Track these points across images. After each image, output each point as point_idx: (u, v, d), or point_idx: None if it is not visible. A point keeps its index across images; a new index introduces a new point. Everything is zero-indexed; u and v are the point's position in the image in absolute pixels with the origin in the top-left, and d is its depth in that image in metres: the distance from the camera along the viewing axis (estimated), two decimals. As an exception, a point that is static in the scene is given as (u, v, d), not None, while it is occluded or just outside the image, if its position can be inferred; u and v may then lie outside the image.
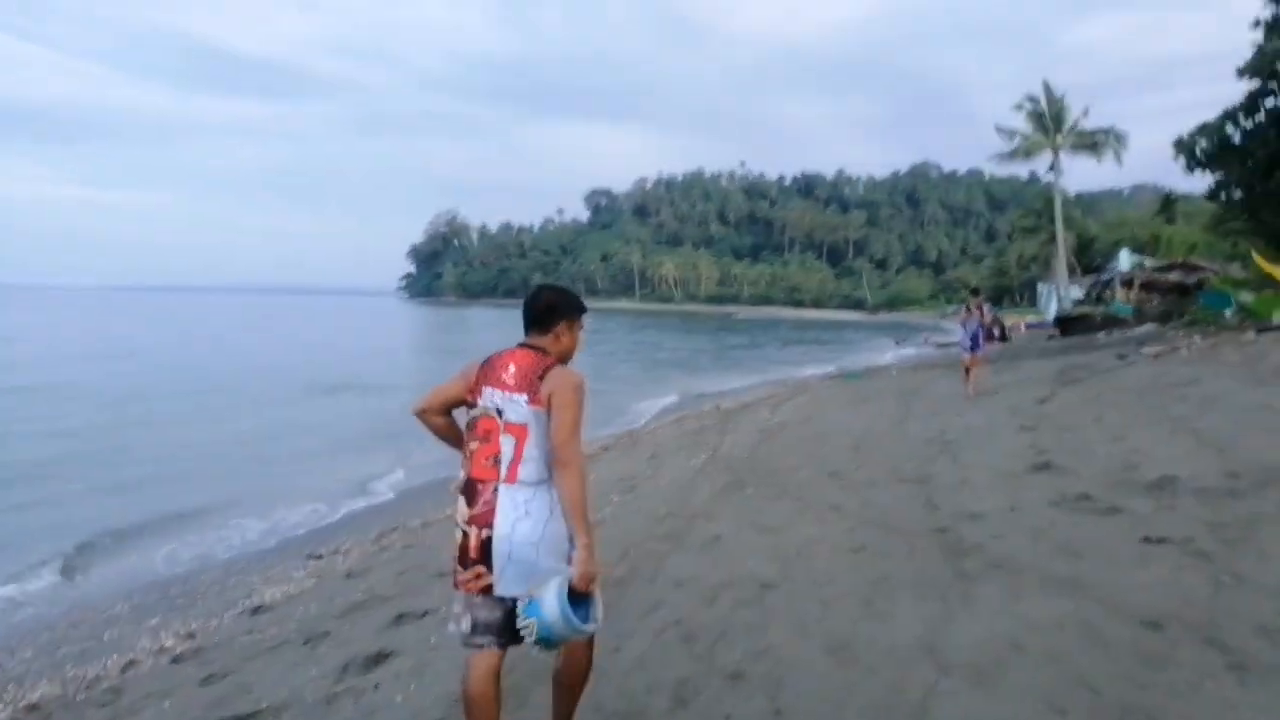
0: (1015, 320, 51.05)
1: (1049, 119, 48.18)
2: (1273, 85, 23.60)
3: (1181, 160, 26.07)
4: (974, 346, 13.93)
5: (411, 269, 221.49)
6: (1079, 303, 48.09)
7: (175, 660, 5.37)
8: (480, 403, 2.79)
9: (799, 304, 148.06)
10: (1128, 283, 45.95)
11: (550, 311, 2.90)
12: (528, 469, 2.71)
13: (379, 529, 8.08)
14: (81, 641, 6.10)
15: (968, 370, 14.04)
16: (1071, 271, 54.01)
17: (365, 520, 9.58)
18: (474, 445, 2.78)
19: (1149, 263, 52.08)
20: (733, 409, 17.22)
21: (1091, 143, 47.35)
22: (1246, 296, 21.59)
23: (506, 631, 2.71)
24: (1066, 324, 39.89)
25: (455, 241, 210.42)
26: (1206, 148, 25.00)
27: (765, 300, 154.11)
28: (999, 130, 49.79)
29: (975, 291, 15.29)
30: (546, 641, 2.62)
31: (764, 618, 4.43)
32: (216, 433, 16.46)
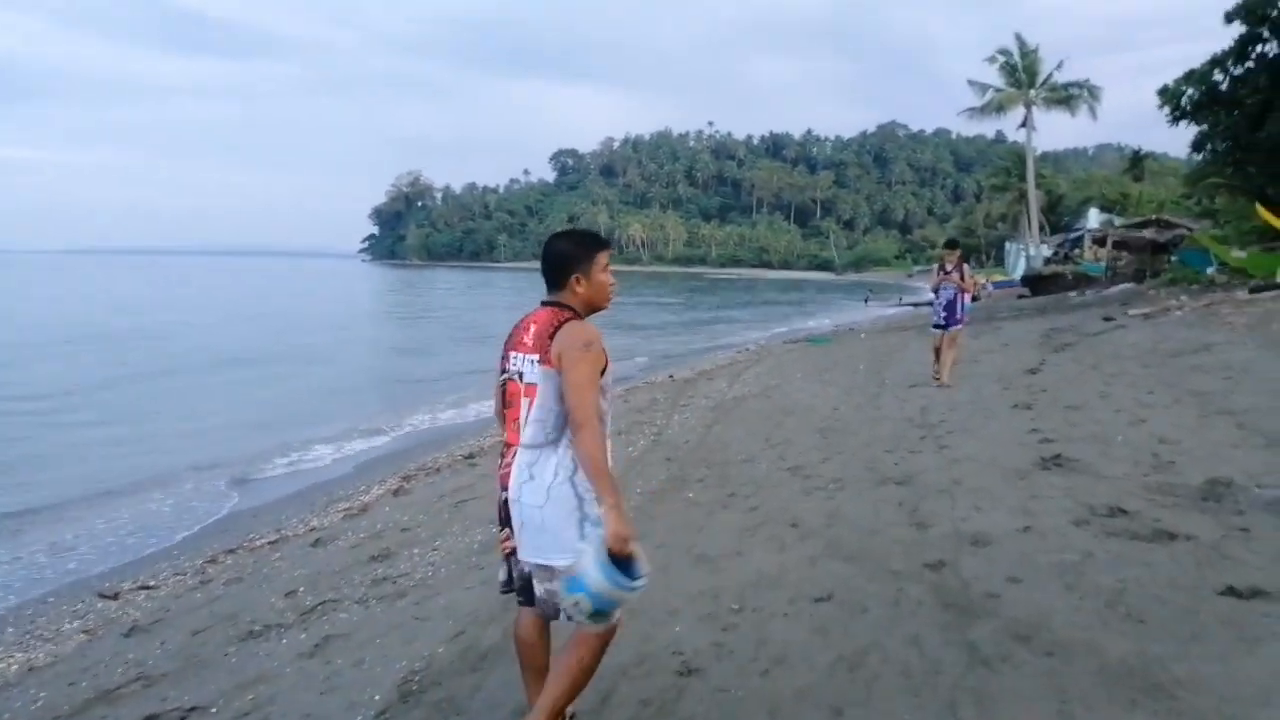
0: (981, 279, 50.04)
1: (1022, 72, 46.71)
2: (1263, 30, 22.19)
3: (1165, 111, 24.70)
4: (948, 320, 10.48)
5: (374, 231, 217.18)
6: (1048, 261, 47.10)
7: None
8: (509, 368, 2.74)
9: (767, 265, 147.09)
10: (1099, 240, 45.05)
11: (561, 263, 2.71)
12: (532, 431, 2.61)
13: (218, 548, 6.42)
14: None
15: (937, 351, 10.73)
16: (1040, 230, 52.87)
17: (219, 531, 7.53)
18: (506, 410, 2.76)
19: (1119, 221, 51.16)
20: (689, 378, 15.63)
21: (1065, 97, 45.93)
22: (1238, 253, 20.30)
23: (527, 590, 2.71)
24: (1037, 283, 39.00)
25: (419, 203, 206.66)
26: (1193, 96, 23.61)
27: (733, 261, 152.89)
28: (971, 84, 48.33)
29: (952, 245, 10.98)
30: (601, 614, 2.46)
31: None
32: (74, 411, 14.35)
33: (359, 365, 21.85)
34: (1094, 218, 58.53)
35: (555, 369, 2.56)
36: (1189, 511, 4.69)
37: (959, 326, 10.64)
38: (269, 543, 6.29)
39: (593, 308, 2.75)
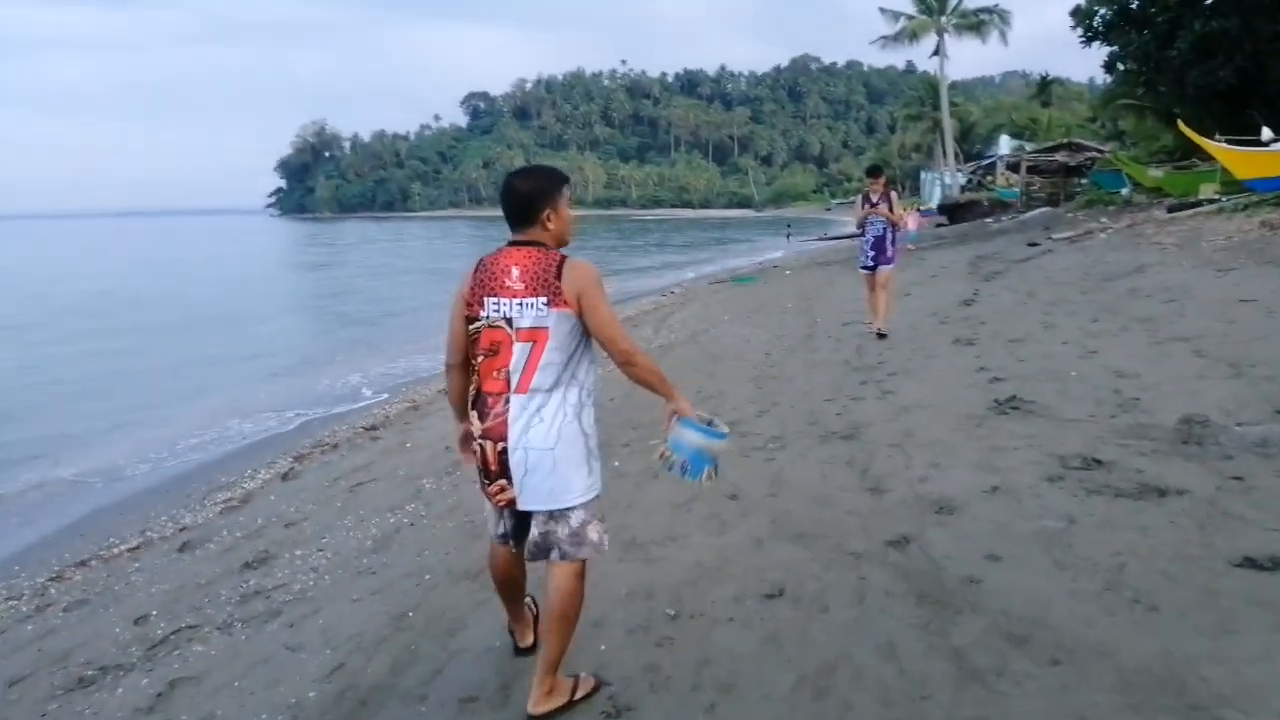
0: (908, 209, 50.15)
1: (933, -1, 46.41)
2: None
3: (1078, 32, 24.53)
4: (877, 258, 8.95)
5: (281, 184, 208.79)
6: (963, 189, 47.50)
7: None
8: (483, 314, 2.58)
9: (687, 204, 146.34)
10: (1013, 167, 45.50)
11: (530, 199, 2.60)
12: (544, 375, 2.52)
13: (69, 559, 5.44)
14: None
15: (871, 291, 9.27)
16: (954, 159, 53.18)
17: (75, 536, 6.31)
18: (480, 359, 2.61)
19: (1029, 147, 51.84)
20: (612, 326, 14.93)
21: (976, 23, 45.86)
22: (1155, 173, 20.34)
23: (518, 536, 2.75)
24: (954, 211, 39.31)
25: (326, 153, 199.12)
26: (1105, 16, 23.44)
27: (654, 202, 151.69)
28: (883, 12, 47.86)
29: (875, 171, 9.27)
30: (705, 467, 2.77)
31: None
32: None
33: (250, 331, 20.41)
34: (1005, 144, 58.96)
35: (573, 310, 2.52)
36: (1171, 459, 4.21)
37: (891, 266, 9.05)
38: (129, 550, 5.38)
39: (561, 243, 2.67)
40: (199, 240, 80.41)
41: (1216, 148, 15.14)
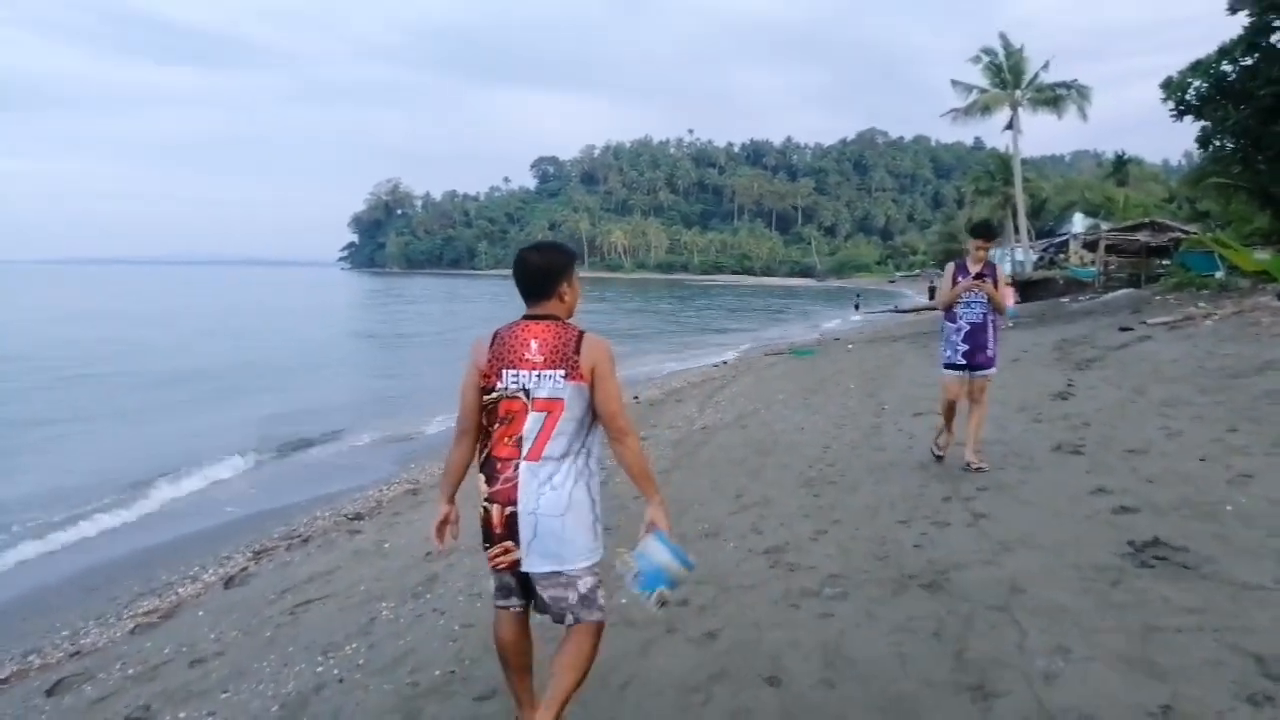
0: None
1: (1007, 72, 45.19)
2: (1273, 18, 20.55)
3: (1169, 105, 22.99)
4: (972, 356, 6.24)
5: (354, 239, 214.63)
6: (1035, 266, 45.81)
7: None
8: (499, 385, 2.65)
9: (749, 271, 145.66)
10: (1089, 245, 43.73)
11: (547, 275, 2.72)
12: (558, 444, 2.60)
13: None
14: None
15: (950, 408, 6.47)
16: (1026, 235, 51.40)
17: None
18: (495, 428, 2.66)
19: (1105, 225, 49.88)
20: (656, 399, 13.71)
21: (1052, 98, 44.34)
22: (1260, 255, 18.56)
23: (529, 593, 2.74)
24: (1026, 288, 37.74)
25: (399, 210, 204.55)
26: (1200, 89, 21.92)
27: (715, 268, 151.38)
28: (955, 85, 46.70)
29: (984, 231, 6.31)
30: (671, 587, 2.64)
31: None
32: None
33: (288, 381, 19.64)
34: (1079, 222, 57.33)
35: (588, 383, 2.62)
36: None
37: (992, 370, 6.30)
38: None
39: (570, 314, 2.77)
40: (278, 289, 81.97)
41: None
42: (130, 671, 4.15)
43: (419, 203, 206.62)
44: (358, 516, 7.02)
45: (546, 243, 2.83)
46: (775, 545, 4.92)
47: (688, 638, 3.75)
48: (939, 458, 6.60)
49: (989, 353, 6.28)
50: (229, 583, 5.56)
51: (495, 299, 62.72)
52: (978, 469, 6.13)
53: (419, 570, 5.15)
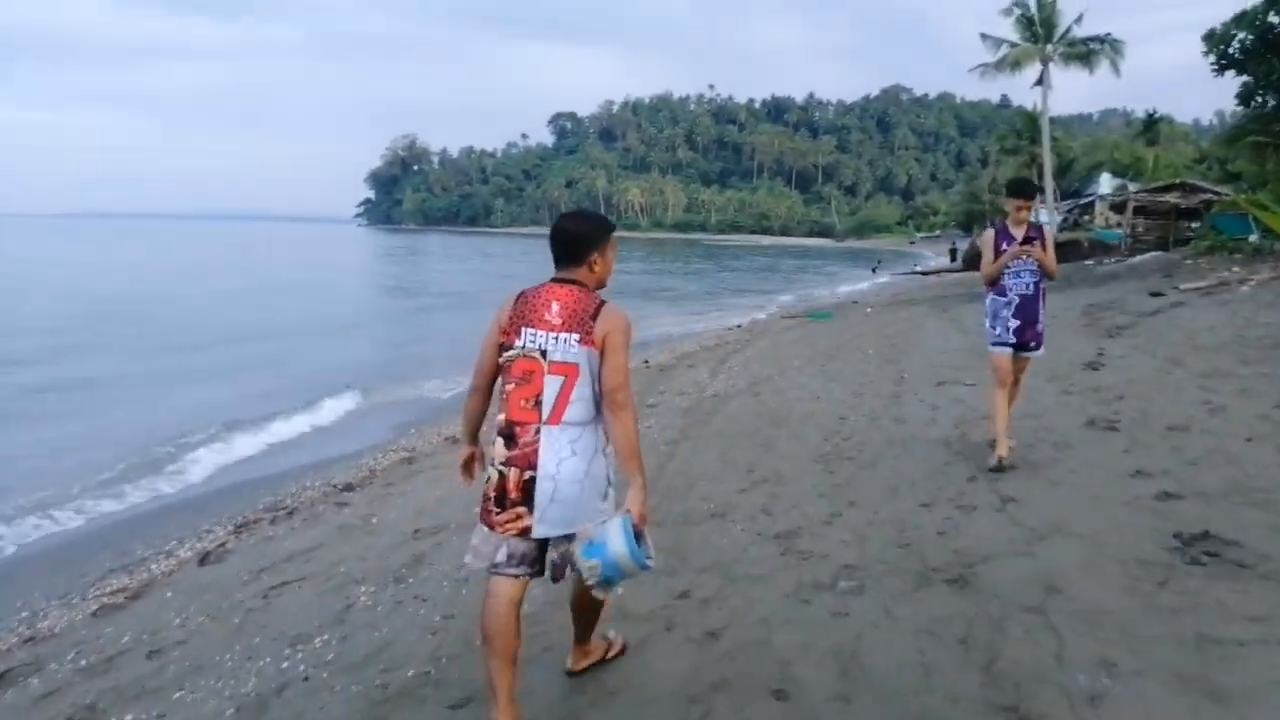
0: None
1: (1039, 26, 43.79)
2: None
3: (1211, 59, 22.09)
4: (1023, 332, 5.46)
5: (370, 195, 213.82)
6: (1060, 228, 44.80)
7: None
8: (518, 344, 2.65)
9: (767, 231, 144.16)
10: (1117, 207, 42.76)
11: (579, 242, 2.72)
12: (576, 409, 2.61)
13: None
14: None
15: (1002, 387, 5.47)
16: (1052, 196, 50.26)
17: None
18: (510, 387, 2.66)
19: (1133, 187, 48.73)
20: (667, 364, 13.33)
21: (1085, 52, 42.94)
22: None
23: (538, 562, 2.72)
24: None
25: (415, 166, 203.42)
26: (1244, 41, 21.00)
27: (733, 227, 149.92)
28: (984, 39, 45.25)
29: (1022, 190, 5.66)
30: (609, 581, 2.57)
31: None
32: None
33: (295, 343, 19.35)
34: (1106, 183, 55.90)
35: (598, 350, 2.59)
36: None
37: (1040, 352, 5.61)
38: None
39: (601, 286, 2.76)
40: (294, 245, 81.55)
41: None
42: (84, 663, 3.86)
43: (436, 159, 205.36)
44: (348, 487, 6.72)
45: (585, 212, 2.85)
46: (787, 529, 4.56)
47: (688, 636, 3.41)
48: (998, 469, 5.22)
49: (1039, 328, 5.49)
50: (204, 559, 5.26)
51: (526, 256, 62.22)
52: (1002, 464, 5.22)
53: (405, 549, 4.84)
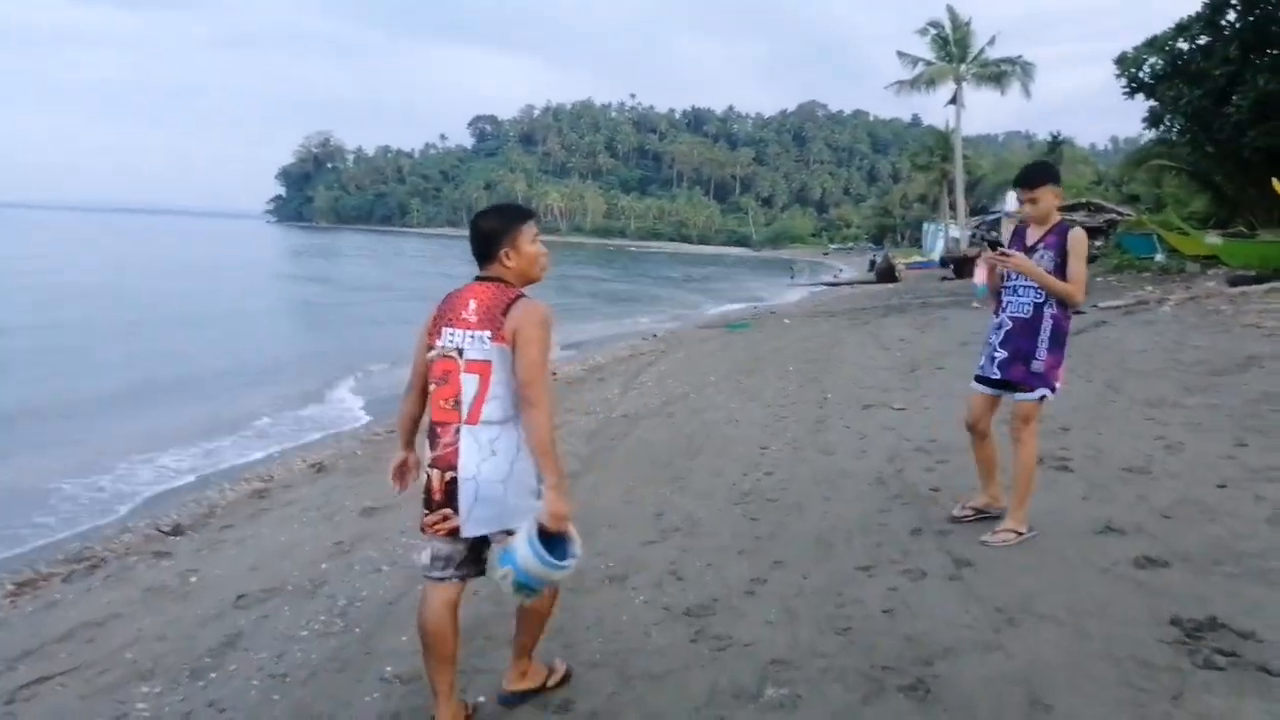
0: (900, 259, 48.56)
1: (953, 46, 44.60)
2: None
3: (1123, 82, 22.36)
4: (1008, 367, 4.14)
5: (281, 192, 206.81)
6: (971, 242, 45.58)
7: None
8: (439, 344, 2.64)
9: (685, 239, 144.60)
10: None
11: (489, 238, 2.68)
12: (492, 407, 2.57)
13: None
14: None
15: (974, 433, 4.44)
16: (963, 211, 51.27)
17: None
18: (432, 388, 2.65)
19: (1041, 205, 49.89)
20: (575, 378, 12.40)
21: (997, 73, 43.95)
22: (1213, 239, 18.04)
23: (468, 564, 2.70)
24: (962, 264, 37.28)
25: (329, 164, 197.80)
26: (1155, 66, 21.27)
27: (652, 234, 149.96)
28: (901, 56, 46.11)
29: (1023, 178, 4.19)
30: (526, 588, 2.52)
31: None
32: None
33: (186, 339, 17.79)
34: (1012, 199, 57.11)
35: (510, 346, 2.54)
36: None
37: (1039, 393, 4.11)
38: None
39: (527, 280, 2.73)
40: (195, 241, 77.57)
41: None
42: None
43: (351, 157, 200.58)
44: (176, 530, 5.57)
45: (495, 207, 2.79)
46: (700, 602, 3.70)
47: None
48: (956, 518, 4.46)
49: (1037, 364, 4.04)
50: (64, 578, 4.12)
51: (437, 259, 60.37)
52: (998, 537, 4.10)
53: (219, 625, 3.80)
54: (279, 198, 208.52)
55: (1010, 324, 4.17)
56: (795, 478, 5.66)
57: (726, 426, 7.60)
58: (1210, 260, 18.71)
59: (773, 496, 5.26)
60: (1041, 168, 4.31)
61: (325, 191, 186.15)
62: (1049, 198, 4.10)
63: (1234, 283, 15.32)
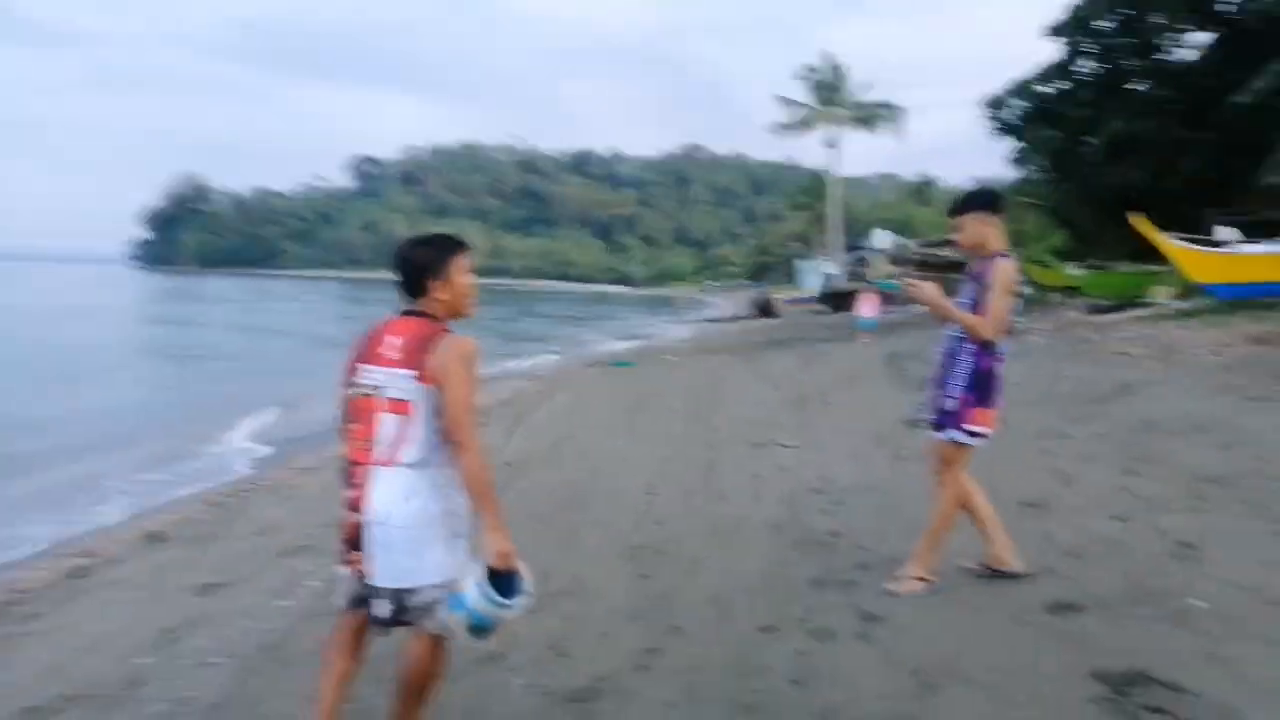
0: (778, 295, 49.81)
1: (830, 89, 46.44)
2: (1086, 44, 21.23)
3: (993, 123, 23.49)
4: (931, 405, 3.99)
5: (148, 235, 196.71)
6: (849, 277, 47.27)
7: None
8: (356, 381, 2.52)
9: (570, 278, 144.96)
10: (898, 259, 45.47)
11: (418, 270, 2.52)
12: (411, 450, 2.42)
13: None
14: None
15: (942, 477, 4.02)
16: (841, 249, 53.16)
17: None
18: (350, 426, 2.53)
19: (911, 242, 52.30)
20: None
21: (871, 115, 45.92)
22: (1073, 271, 18.97)
23: (362, 602, 2.55)
24: (838, 299, 38.40)
25: (197, 206, 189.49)
26: (1021, 108, 22.43)
27: (537, 273, 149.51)
28: (780, 99, 47.61)
29: (954, 206, 3.96)
30: (481, 629, 2.45)
31: None
32: None
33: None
34: (880, 237, 59.73)
35: (434, 385, 2.41)
36: None
37: (950, 435, 3.88)
38: None
39: (455, 315, 2.58)
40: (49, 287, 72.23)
41: (1177, 248, 13.40)
42: None
43: (221, 198, 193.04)
44: (156, 534, 4.75)
45: (427, 235, 2.65)
46: (588, 682, 3.25)
47: None
48: (993, 572, 3.97)
49: (950, 402, 3.80)
50: None
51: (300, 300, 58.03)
52: (912, 580, 3.90)
53: None
54: (145, 241, 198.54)
55: (939, 359, 3.95)
56: (689, 529, 5.29)
57: (615, 469, 7.20)
58: (1070, 290, 19.68)
59: (666, 550, 4.87)
60: (969, 195, 4.08)
61: (194, 234, 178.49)
62: (975, 225, 3.83)
63: (1094, 311, 16.09)
